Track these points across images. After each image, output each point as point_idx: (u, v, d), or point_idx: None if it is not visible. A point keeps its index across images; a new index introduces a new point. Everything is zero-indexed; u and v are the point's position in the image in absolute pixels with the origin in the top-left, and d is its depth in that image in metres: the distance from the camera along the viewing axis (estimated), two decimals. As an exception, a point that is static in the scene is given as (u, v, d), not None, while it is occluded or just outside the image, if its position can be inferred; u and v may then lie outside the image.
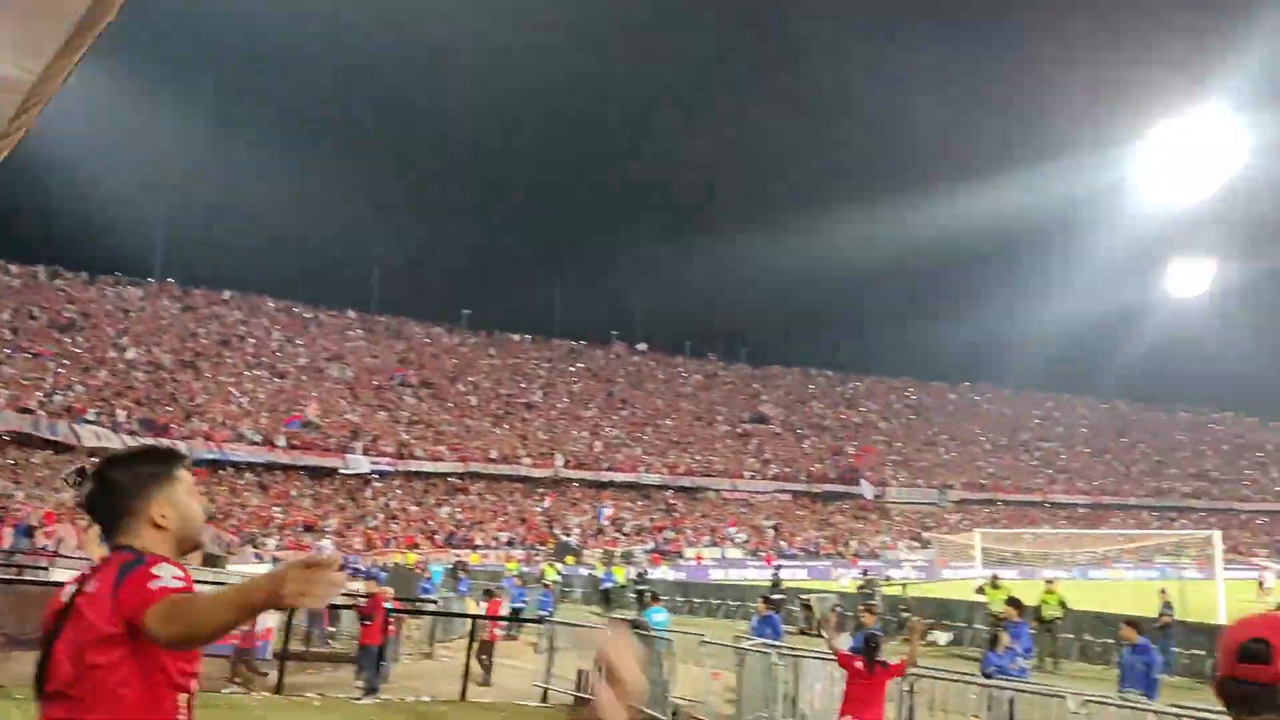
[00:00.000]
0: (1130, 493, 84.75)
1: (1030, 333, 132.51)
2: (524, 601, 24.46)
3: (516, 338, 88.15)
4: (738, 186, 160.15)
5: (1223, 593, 29.36)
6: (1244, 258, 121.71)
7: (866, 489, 72.69)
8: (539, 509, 57.20)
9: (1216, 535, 34.76)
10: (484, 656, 16.38)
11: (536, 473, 61.47)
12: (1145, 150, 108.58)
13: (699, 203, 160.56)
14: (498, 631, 17.81)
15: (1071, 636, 22.09)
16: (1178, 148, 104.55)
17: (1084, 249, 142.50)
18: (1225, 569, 58.93)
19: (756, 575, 45.28)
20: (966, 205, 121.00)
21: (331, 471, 54.11)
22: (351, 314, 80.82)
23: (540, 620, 18.85)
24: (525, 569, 39.87)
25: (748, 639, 14.25)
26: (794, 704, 12.05)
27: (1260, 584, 42.71)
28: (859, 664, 9.08)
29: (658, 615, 15.86)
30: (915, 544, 63.00)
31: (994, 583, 23.84)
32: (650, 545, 54.02)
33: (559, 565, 38.64)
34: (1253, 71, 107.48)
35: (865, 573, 35.81)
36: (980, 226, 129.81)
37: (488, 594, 19.60)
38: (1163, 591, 21.35)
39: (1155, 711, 8.90)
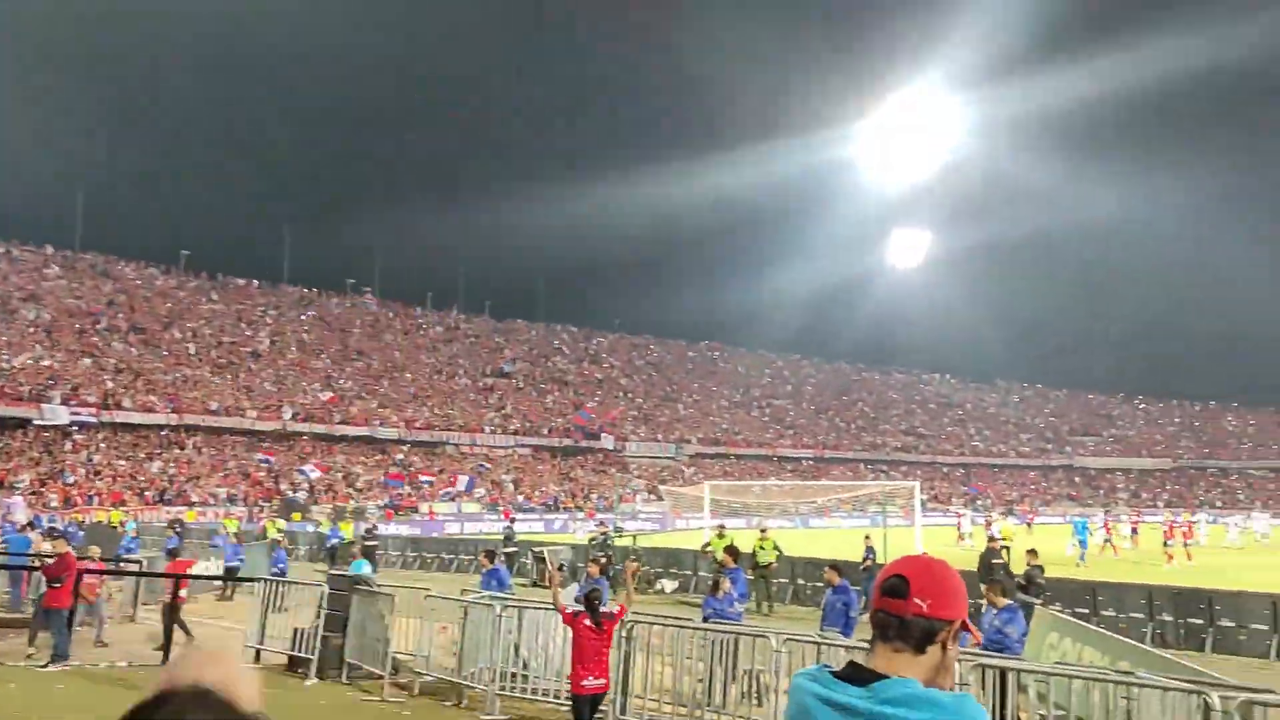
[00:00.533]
0: (849, 447, 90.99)
1: (765, 297, 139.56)
2: (240, 560, 23.12)
3: (242, 282, 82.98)
4: (489, 144, 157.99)
5: (920, 537, 31.83)
6: (956, 231, 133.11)
7: (608, 443, 73.98)
8: (264, 464, 54.20)
9: (916, 486, 37.62)
10: (174, 618, 15.11)
11: (262, 425, 58.19)
12: (872, 127, 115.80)
13: (448, 156, 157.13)
14: (184, 592, 16.50)
15: (786, 580, 23.23)
16: (901, 125, 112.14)
17: (817, 221, 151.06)
18: (930, 516, 64.61)
19: (494, 529, 44.96)
20: (710, 176, 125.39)
21: (24, 422, 48.92)
22: (50, 249, 73.26)
23: (252, 579, 17.69)
24: (246, 526, 37.77)
25: (476, 593, 13.91)
26: (517, 651, 11.82)
27: (958, 528, 46.38)
28: (586, 621, 8.83)
29: (364, 568, 15.37)
30: (652, 496, 64.74)
31: (720, 533, 24.60)
32: (384, 501, 52.51)
33: (281, 522, 36.73)
34: (966, 53, 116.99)
35: (602, 524, 36.34)
36: (722, 197, 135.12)
37: (171, 554, 18.11)
38: (867, 537, 22.78)
39: (846, 646, 9.22)
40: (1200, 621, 16.93)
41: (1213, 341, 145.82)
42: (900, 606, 1.76)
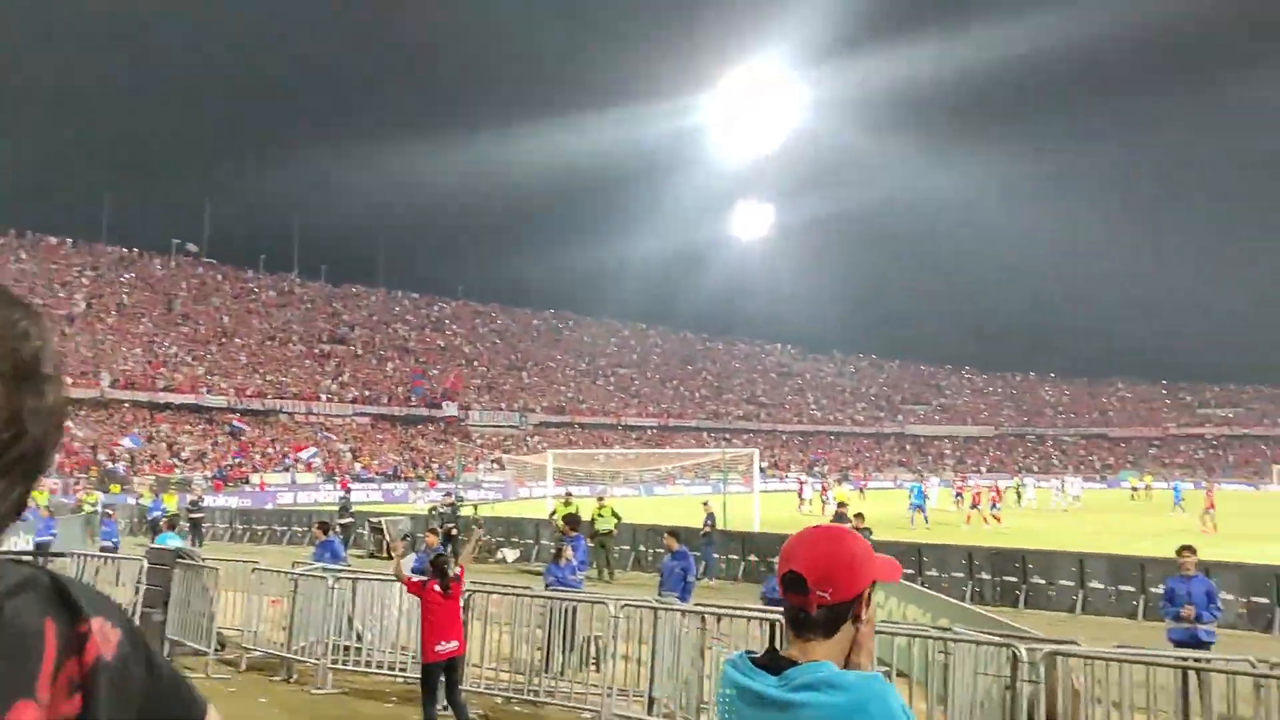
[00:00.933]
0: (693, 415, 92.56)
1: (613, 266, 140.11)
2: (53, 534, 21.99)
3: (54, 240, 77.71)
4: (328, 100, 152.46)
5: (758, 504, 32.60)
6: (797, 205, 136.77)
7: (450, 411, 72.96)
8: (80, 433, 51.09)
9: (754, 453, 38.41)
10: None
11: (78, 393, 54.78)
12: (718, 99, 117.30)
13: (285, 112, 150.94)
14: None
15: (628, 548, 23.47)
16: (746, 98, 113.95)
17: (664, 190, 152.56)
18: (769, 483, 66.35)
19: (330, 500, 43.79)
20: (556, 141, 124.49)
21: None
22: None
23: (64, 554, 16.73)
24: (60, 499, 35.65)
25: (308, 565, 13.48)
26: (351, 623, 11.54)
27: (799, 494, 48.06)
28: (436, 588, 8.63)
29: (171, 541, 14.68)
30: (495, 465, 64.34)
31: (566, 500, 24.65)
32: (212, 472, 50.35)
33: (97, 494, 34.78)
34: (808, 30, 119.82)
35: (448, 494, 36.02)
36: (569, 163, 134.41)
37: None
38: (706, 504, 23.16)
39: (681, 610, 9.34)
40: (1014, 579, 17.96)
41: (1031, 315, 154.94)
42: (803, 602, 1.74)
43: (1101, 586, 17.18)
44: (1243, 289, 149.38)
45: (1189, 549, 10.48)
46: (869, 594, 1.78)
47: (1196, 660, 8.02)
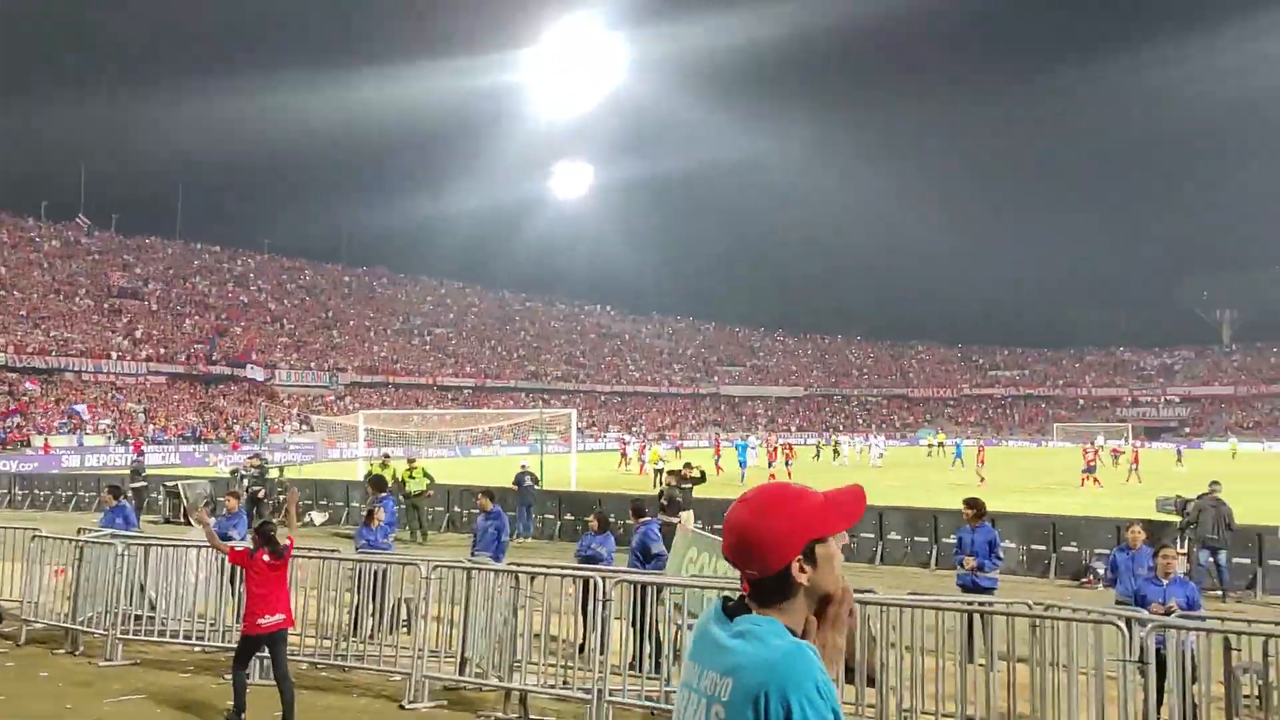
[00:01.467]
0: (511, 376, 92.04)
1: (429, 223, 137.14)
2: None
3: None
4: (118, 31, 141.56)
5: (575, 464, 32.90)
6: (616, 166, 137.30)
7: (254, 372, 69.78)
8: None
9: (572, 414, 38.65)
10: None
11: None
12: (537, 56, 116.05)
13: (68, 48, 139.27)
14: None
15: (442, 509, 23.16)
16: (566, 56, 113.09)
17: (483, 147, 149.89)
18: (593, 442, 66.75)
19: (121, 463, 41.35)
20: (369, 91, 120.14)
21: None
22: None
23: None
24: None
25: (95, 531, 12.66)
26: (143, 591, 10.93)
27: (623, 454, 49.06)
28: (265, 557, 8.18)
29: None
30: (304, 427, 62.21)
31: (384, 462, 24.07)
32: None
33: None
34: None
35: (255, 456, 34.46)
36: (383, 114, 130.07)
37: None
38: (523, 465, 23.14)
39: (494, 570, 9.29)
40: (819, 532, 18.78)
41: (839, 281, 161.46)
42: (744, 577, 1.79)
43: (899, 538, 18.15)
44: (1030, 260, 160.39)
45: (973, 501, 11.17)
46: (812, 553, 1.79)
47: (981, 604, 8.57)
